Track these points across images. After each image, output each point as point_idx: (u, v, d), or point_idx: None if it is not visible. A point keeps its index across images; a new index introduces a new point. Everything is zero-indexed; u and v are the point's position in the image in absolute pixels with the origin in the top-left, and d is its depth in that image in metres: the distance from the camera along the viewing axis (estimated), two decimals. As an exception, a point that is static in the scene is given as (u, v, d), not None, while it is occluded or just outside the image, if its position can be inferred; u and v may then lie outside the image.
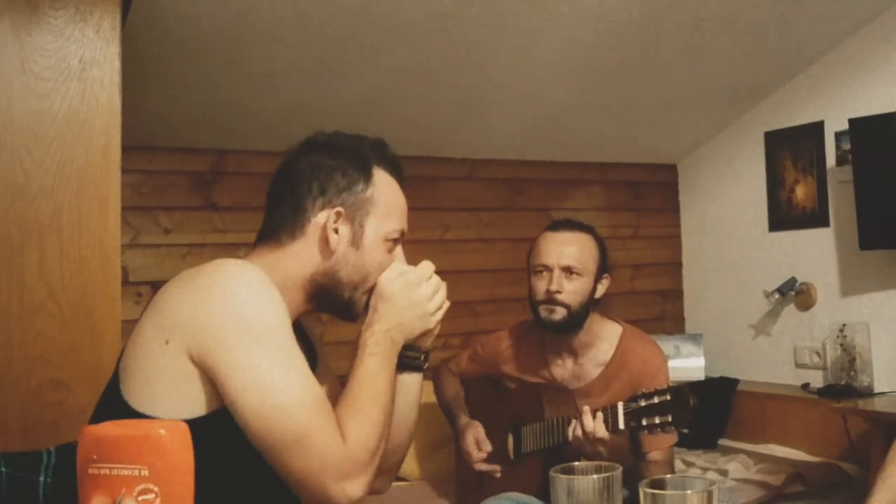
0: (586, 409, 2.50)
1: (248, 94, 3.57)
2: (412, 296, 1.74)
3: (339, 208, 1.71)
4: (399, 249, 1.82)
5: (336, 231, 1.70)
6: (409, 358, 1.81)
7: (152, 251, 3.78)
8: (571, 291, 2.81)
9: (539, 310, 2.85)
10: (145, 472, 1.03)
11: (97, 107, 2.40)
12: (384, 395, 1.65)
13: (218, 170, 3.95)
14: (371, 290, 1.75)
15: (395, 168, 1.82)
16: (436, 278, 1.80)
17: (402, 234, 1.81)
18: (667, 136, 5.05)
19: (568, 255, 2.82)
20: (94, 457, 1.05)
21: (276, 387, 1.50)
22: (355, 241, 1.72)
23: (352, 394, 1.63)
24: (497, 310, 4.51)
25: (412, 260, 1.84)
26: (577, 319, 2.84)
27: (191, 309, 1.53)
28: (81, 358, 2.30)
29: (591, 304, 2.88)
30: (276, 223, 1.74)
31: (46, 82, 2.34)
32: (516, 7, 3.37)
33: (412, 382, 1.84)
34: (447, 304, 1.82)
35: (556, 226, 2.94)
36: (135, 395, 1.55)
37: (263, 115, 3.73)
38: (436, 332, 1.83)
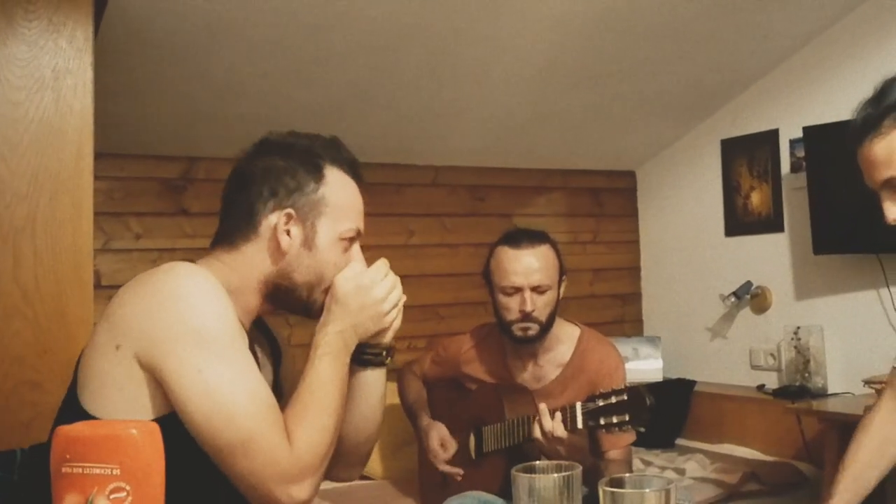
0: (544, 408, 2.52)
1: (218, 102, 3.58)
2: (365, 298, 1.72)
3: (290, 210, 1.69)
4: (357, 248, 1.79)
5: (288, 233, 1.69)
6: (370, 355, 1.80)
7: (124, 255, 3.79)
8: (543, 306, 2.83)
9: (513, 329, 2.86)
10: (117, 471, 1.05)
11: (70, 115, 2.42)
12: (334, 398, 1.65)
13: (188, 176, 3.96)
14: (329, 290, 1.74)
15: (351, 167, 1.80)
16: (391, 277, 1.78)
17: (359, 233, 1.79)
18: (626, 144, 5.07)
19: (536, 272, 2.82)
20: (67, 456, 1.07)
21: (221, 392, 1.50)
22: (307, 243, 1.71)
23: (301, 397, 1.62)
24: (461, 313, 4.53)
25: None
26: (548, 327, 2.88)
27: (139, 314, 1.54)
28: (55, 359, 2.31)
29: (557, 308, 2.92)
30: (230, 226, 1.74)
31: (21, 91, 2.36)
32: (480, 19, 3.40)
33: (376, 379, 1.83)
34: (404, 298, 1.81)
35: (515, 241, 2.89)
36: (89, 399, 1.55)
37: (232, 124, 3.71)
38: (395, 327, 1.81)
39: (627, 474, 1.38)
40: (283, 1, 3.04)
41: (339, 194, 1.75)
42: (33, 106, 2.38)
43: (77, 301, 2.38)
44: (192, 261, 1.68)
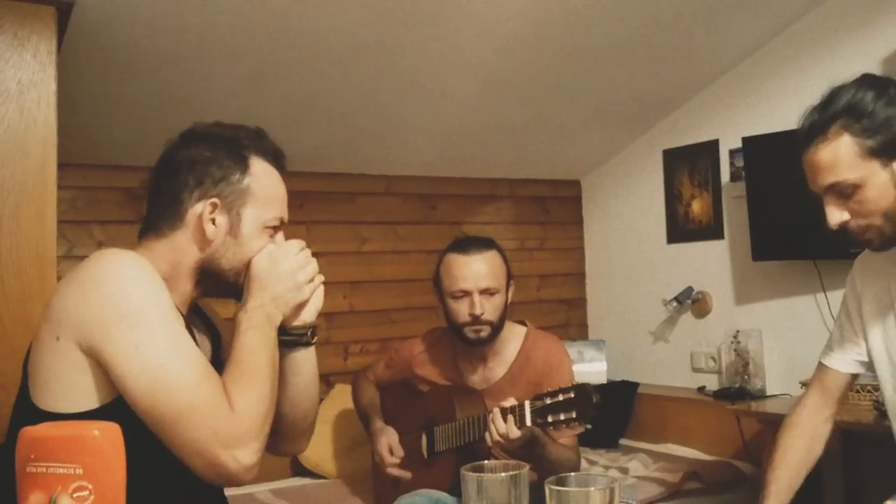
0: (496, 411, 2.53)
1: (177, 114, 3.44)
2: (279, 270, 1.75)
3: (215, 199, 1.72)
4: (280, 237, 1.82)
5: (213, 221, 1.72)
6: (295, 336, 1.82)
7: (87, 262, 3.79)
8: (492, 309, 2.88)
9: (465, 332, 2.91)
10: (80, 471, 1.07)
11: (34, 126, 2.45)
12: (266, 366, 1.66)
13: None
14: None
15: (275, 157, 1.83)
16: (304, 253, 1.81)
17: (282, 221, 1.82)
18: (571, 154, 5.11)
19: (484, 277, 2.87)
20: (32, 456, 1.09)
21: (160, 364, 1.52)
22: (233, 231, 1.74)
23: (235, 368, 1.64)
24: (412, 317, 4.57)
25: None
26: (498, 330, 2.94)
27: (73, 302, 1.55)
28: (19, 363, 2.24)
29: (506, 312, 2.97)
30: (157, 215, 1.75)
31: (-14, 103, 2.37)
32: (430, 33, 3.46)
33: (305, 358, 1.86)
34: (321, 276, 1.85)
35: (464, 247, 2.95)
36: (38, 394, 1.56)
37: (191, 134, 3.79)
38: (317, 305, 1.85)
39: (573, 473, 1.43)
40: (240, 15, 3.08)
41: (264, 184, 1.78)
42: (-1, 118, 2.38)
43: (41, 306, 2.32)
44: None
